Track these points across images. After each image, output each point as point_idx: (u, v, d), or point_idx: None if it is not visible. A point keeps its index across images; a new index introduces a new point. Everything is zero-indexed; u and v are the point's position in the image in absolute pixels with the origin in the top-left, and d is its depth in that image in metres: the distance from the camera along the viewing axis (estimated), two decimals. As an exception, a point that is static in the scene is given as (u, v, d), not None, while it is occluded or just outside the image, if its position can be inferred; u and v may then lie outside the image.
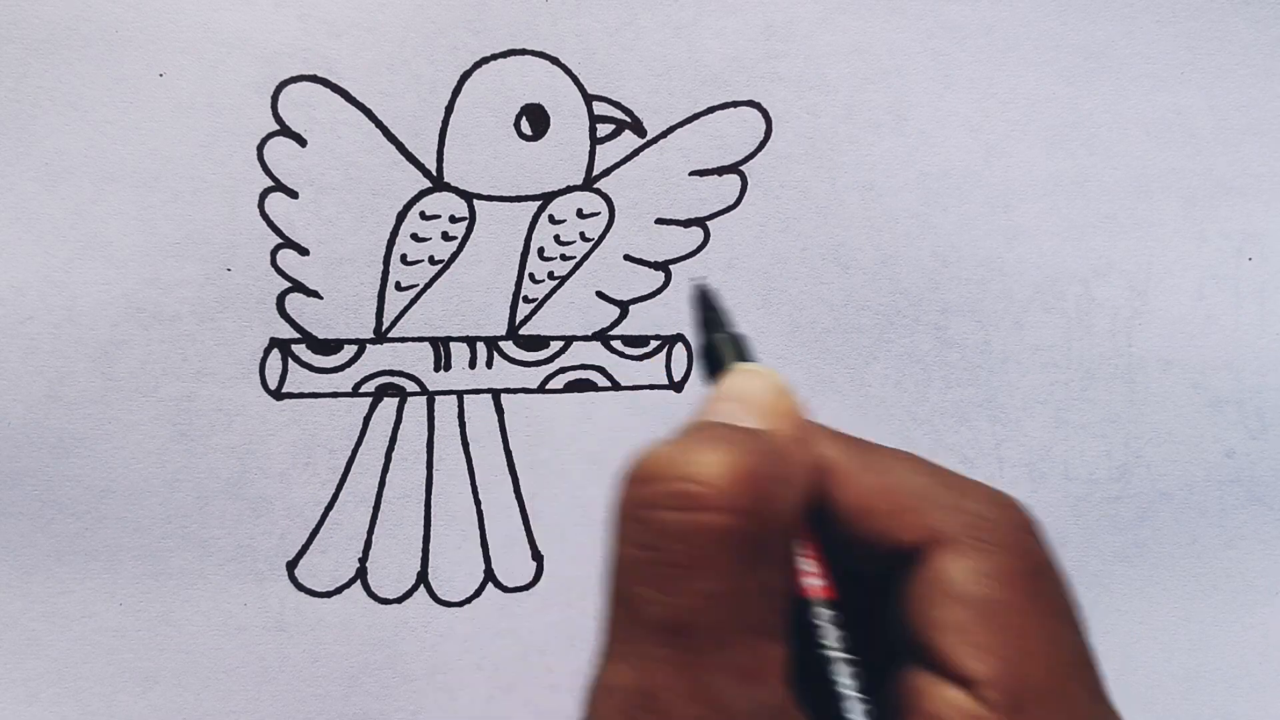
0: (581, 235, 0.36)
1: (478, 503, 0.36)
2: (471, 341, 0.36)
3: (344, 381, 0.36)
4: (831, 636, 0.24)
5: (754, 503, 0.23)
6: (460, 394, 0.36)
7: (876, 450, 0.26)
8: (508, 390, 0.36)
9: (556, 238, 0.36)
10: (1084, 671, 0.24)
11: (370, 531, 0.36)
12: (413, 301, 0.36)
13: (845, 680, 0.23)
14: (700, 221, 0.36)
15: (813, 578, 0.24)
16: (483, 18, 0.35)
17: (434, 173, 0.35)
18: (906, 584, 0.24)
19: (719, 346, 0.28)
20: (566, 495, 0.36)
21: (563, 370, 0.36)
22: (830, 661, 0.23)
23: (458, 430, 0.36)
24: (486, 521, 0.36)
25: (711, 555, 0.22)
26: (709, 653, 0.22)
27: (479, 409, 0.36)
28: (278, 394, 0.35)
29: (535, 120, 0.36)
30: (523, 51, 0.35)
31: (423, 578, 0.36)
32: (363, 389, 0.36)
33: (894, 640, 0.25)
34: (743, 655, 0.22)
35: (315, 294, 0.35)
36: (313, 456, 0.36)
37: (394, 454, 0.36)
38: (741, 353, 0.28)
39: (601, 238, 0.36)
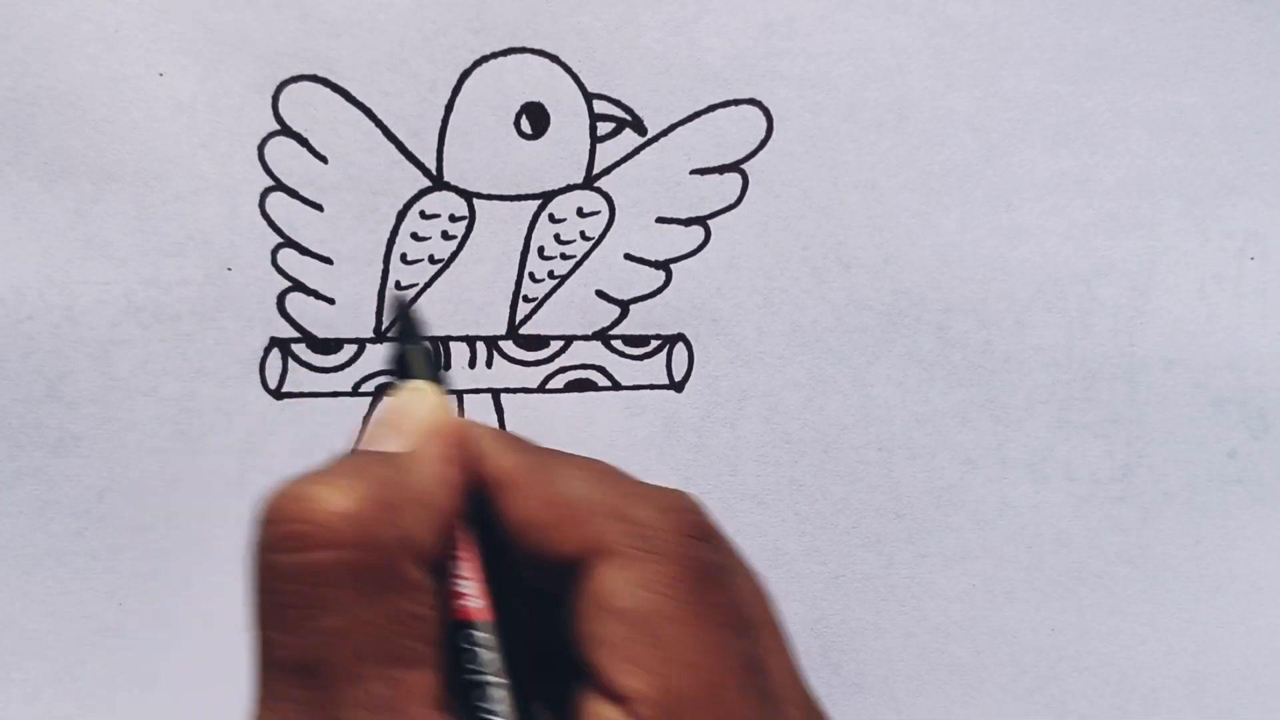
0: (582, 234, 0.36)
1: None
2: (471, 341, 0.36)
3: (344, 381, 0.36)
4: (483, 659, 0.23)
5: (370, 534, 0.22)
6: (460, 394, 0.36)
7: (553, 459, 0.26)
8: (507, 390, 0.36)
9: (557, 237, 0.36)
10: (750, 677, 0.23)
11: None
12: (413, 301, 0.36)
13: (494, 705, 0.23)
14: (701, 220, 0.37)
15: (467, 598, 0.24)
16: (482, 16, 0.35)
17: (434, 172, 0.36)
18: (574, 600, 0.24)
19: (406, 359, 0.28)
20: None
21: (563, 370, 0.36)
22: (478, 685, 0.23)
23: None
24: None
25: (328, 592, 0.22)
26: (340, 689, 0.22)
27: (479, 409, 0.36)
28: (278, 393, 0.35)
29: (535, 119, 0.36)
30: (522, 50, 0.36)
31: None
32: (363, 389, 0.36)
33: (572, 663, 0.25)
34: (377, 688, 0.22)
35: (316, 294, 0.35)
36: (313, 456, 0.34)
37: None
38: (423, 367, 0.27)
39: (602, 237, 0.36)
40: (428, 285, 0.36)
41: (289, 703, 0.22)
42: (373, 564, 0.22)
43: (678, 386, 0.37)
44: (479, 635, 0.24)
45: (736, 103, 0.36)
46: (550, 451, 0.26)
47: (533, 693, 0.24)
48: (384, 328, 0.30)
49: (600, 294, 0.36)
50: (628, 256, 0.36)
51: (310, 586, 0.22)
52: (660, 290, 0.37)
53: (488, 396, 0.36)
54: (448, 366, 0.36)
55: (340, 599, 0.22)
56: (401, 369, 0.28)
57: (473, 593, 0.24)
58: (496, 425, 0.36)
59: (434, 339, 0.36)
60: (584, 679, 0.23)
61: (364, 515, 0.22)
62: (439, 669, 0.23)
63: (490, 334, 0.36)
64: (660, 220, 0.36)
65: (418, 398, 0.26)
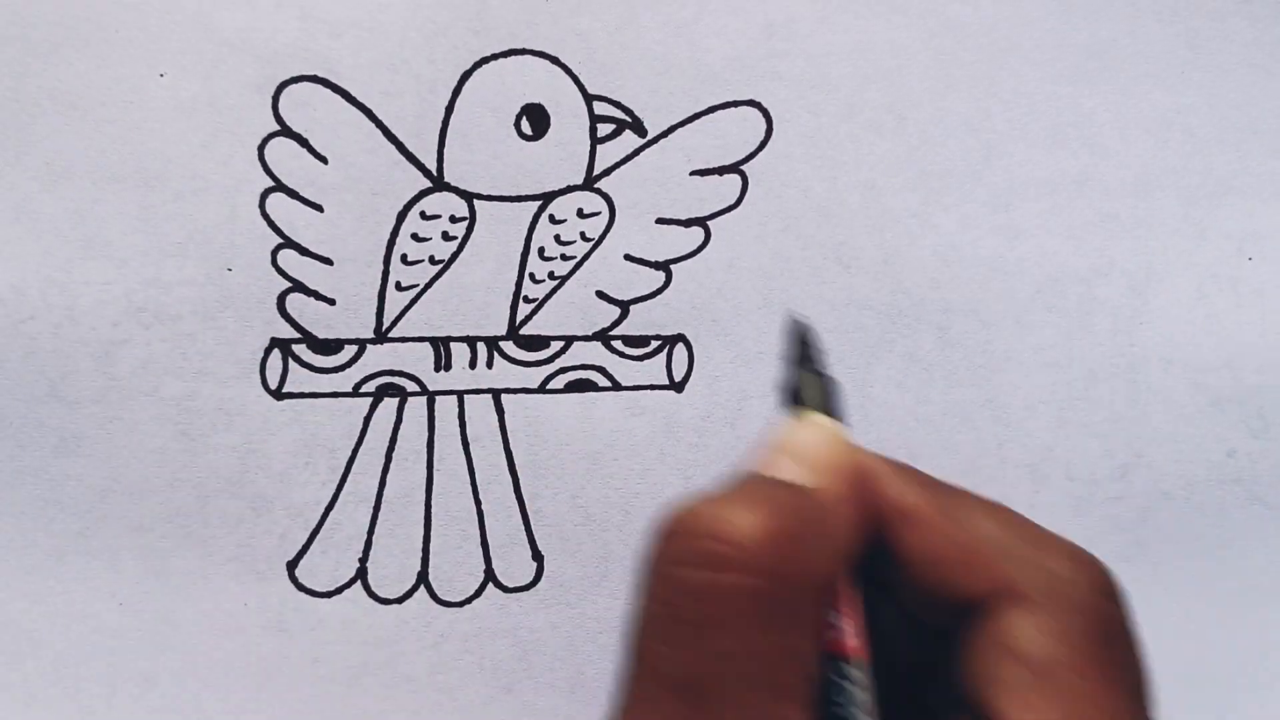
0: (582, 235, 0.36)
1: (478, 503, 0.36)
2: (472, 341, 0.36)
3: (344, 381, 0.36)
4: (855, 697, 0.23)
5: (781, 565, 0.22)
6: (460, 394, 0.36)
7: (959, 496, 0.26)
8: (508, 390, 0.36)
9: (557, 237, 0.36)
10: None
11: (370, 531, 0.36)
12: (413, 301, 0.36)
13: None
14: (701, 221, 0.37)
15: (844, 633, 0.24)
16: (483, 17, 0.35)
17: (434, 173, 0.36)
18: (971, 637, 0.24)
19: (803, 386, 0.27)
20: (567, 495, 0.36)
21: (563, 370, 0.36)
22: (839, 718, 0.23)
23: (458, 430, 0.36)
24: (487, 521, 0.36)
25: (729, 615, 0.22)
26: (719, 712, 0.22)
27: (479, 409, 0.36)
28: (278, 394, 0.35)
29: (535, 120, 0.36)
30: (523, 51, 0.35)
31: (423, 578, 0.36)
32: (363, 389, 0.36)
33: (949, 697, 0.25)
34: (755, 716, 0.22)
35: (316, 294, 0.35)
36: (313, 456, 0.36)
37: (394, 454, 0.36)
38: (822, 398, 0.27)
39: (602, 237, 0.36)
40: (428, 286, 0.36)
41: (664, 717, 0.22)
42: (779, 595, 0.22)
43: (678, 387, 0.37)
44: (853, 672, 0.24)
45: (736, 104, 0.36)
46: (956, 489, 0.26)
47: None
48: (784, 354, 0.29)
49: (600, 294, 0.36)
50: (628, 257, 0.36)
51: (713, 605, 0.22)
52: (660, 291, 0.37)
53: (488, 396, 0.36)
54: (449, 367, 0.36)
55: (740, 624, 0.22)
56: (798, 397, 0.27)
57: (850, 629, 0.24)
58: (498, 425, 0.36)
59: (434, 339, 0.36)
60: (969, 717, 0.24)
61: (778, 545, 0.22)
62: (811, 704, 0.23)
63: (491, 334, 0.36)
64: (660, 221, 0.36)
65: (820, 430, 0.26)
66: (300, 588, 0.36)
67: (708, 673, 0.22)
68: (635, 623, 0.23)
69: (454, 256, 0.36)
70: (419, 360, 0.36)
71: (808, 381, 0.27)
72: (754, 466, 0.25)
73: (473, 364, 0.36)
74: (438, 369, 0.36)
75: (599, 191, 0.36)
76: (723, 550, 0.22)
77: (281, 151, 0.35)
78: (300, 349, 0.36)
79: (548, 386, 0.36)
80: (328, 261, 0.35)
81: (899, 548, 0.25)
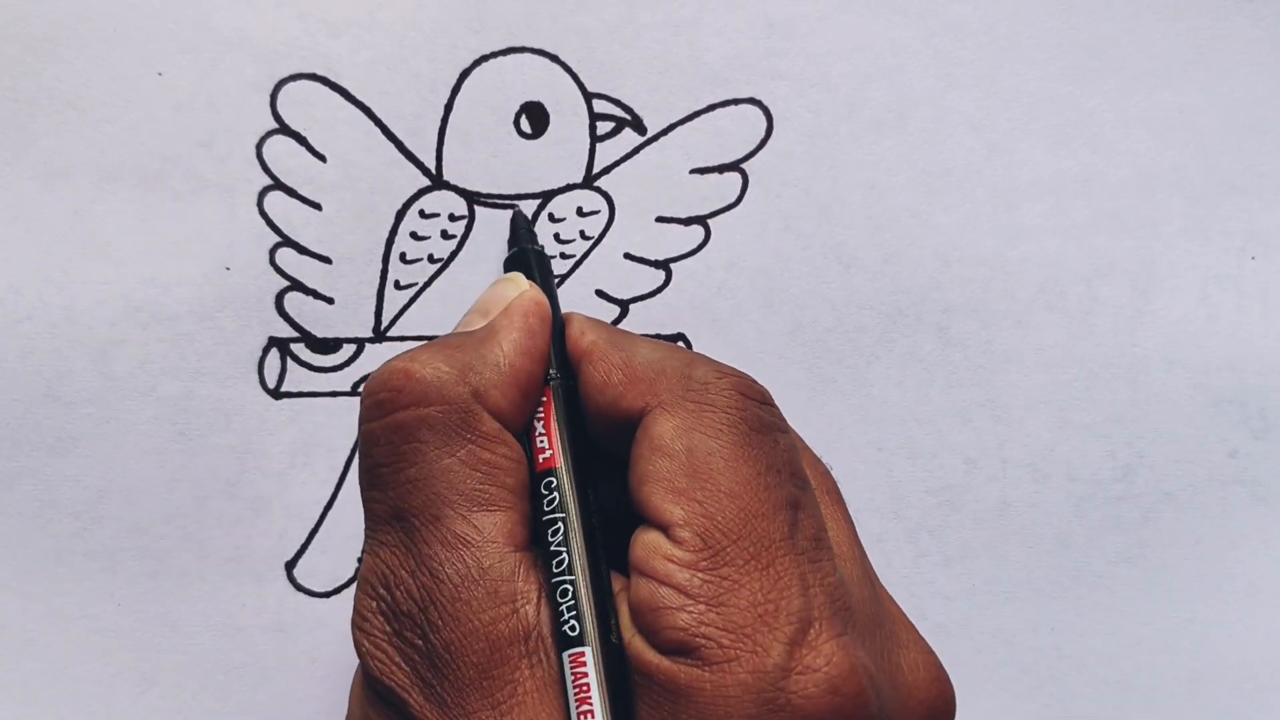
0: (581, 234, 0.36)
1: None
2: None
3: (343, 381, 0.36)
4: (554, 500, 0.26)
5: (441, 392, 0.26)
6: None
7: (630, 336, 0.29)
8: None
9: (556, 236, 0.36)
10: (785, 514, 0.25)
11: None
12: (412, 300, 0.36)
13: (563, 539, 0.26)
14: (701, 220, 0.37)
15: (544, 451, 0.27)
16: (482, 16, 0.35)
17: (433, 171, 0.36)
18: (632, 448, 0.27)
19: (512, 257, 0.32)
20: None
21: None
22: (552, 523, 0.26)
23: None
24: None
25: (409, 446, 0.26)
26: (423, 529, 0.25)
27: None
28: (276, 393, 0.35)
29: (535, 118, 0.36)
30: (522, 49, 0.36)
31: None
32: (361, 388, 0.35)
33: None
34: (457, 526, 0.25)
35: (314, 293, 0.36)
36: (311, 456, 0.36)
37: None
38: (524, 265, 0.32)
39: (601, 236, 0.36)
40: (427, 284, 0.36)
41: (387, 548, 0.26)
42: (447, 417, 0.26)
43: None
44: (552, 482, 0.27)
45: (736, 102, 0.36)
46: (631, 334, 0.29)
47: (610, 544, 0.27)
48: (511, 236, 0.33)
49: (600, 293, 0.36)
50: (628, 256, 0.36)
51: (395, 444, 0.26)
52: (660, 289, 0.37)
53: None
54: None
55: (420, 451, 0.26)
56: (508, 267, 0.32)
57: (552, 447, 0.27)
58: None
59: (434, 338, 0.36)
60: (639, 519, 0.26)
61: (440, 377, 0.26)
62: (522, 514, 0.26)
63: None
64: (660, 220, 0.36)
65: (507, 285, 0.30)
66: (298, 588, 0.36)
67: (407, 500, 0.26)
68: (359, 482, 0.27)
69: (453, 255, 0.36)
70: None
71: (516, 254, 0.32)
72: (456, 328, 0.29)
73: None
74: None
75: (598, 190, 0.36)
76: (389, 396, 0.26)
77: (280, 150, 0.35)
78: (299, 348, 0.36)
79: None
80: (326, 260, 0.35)
81: (583, 383, 0.28)
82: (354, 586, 0.35)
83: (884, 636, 0.26)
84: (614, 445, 0.28)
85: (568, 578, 0.25)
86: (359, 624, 0.26)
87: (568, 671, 0.25)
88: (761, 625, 0.24)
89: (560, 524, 0.26)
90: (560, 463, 0.27)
